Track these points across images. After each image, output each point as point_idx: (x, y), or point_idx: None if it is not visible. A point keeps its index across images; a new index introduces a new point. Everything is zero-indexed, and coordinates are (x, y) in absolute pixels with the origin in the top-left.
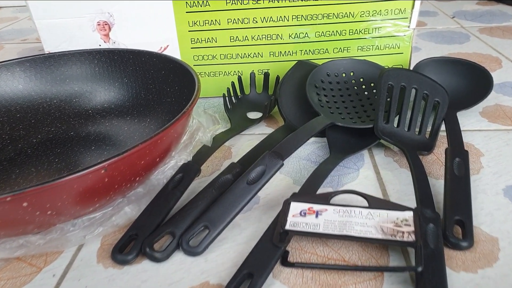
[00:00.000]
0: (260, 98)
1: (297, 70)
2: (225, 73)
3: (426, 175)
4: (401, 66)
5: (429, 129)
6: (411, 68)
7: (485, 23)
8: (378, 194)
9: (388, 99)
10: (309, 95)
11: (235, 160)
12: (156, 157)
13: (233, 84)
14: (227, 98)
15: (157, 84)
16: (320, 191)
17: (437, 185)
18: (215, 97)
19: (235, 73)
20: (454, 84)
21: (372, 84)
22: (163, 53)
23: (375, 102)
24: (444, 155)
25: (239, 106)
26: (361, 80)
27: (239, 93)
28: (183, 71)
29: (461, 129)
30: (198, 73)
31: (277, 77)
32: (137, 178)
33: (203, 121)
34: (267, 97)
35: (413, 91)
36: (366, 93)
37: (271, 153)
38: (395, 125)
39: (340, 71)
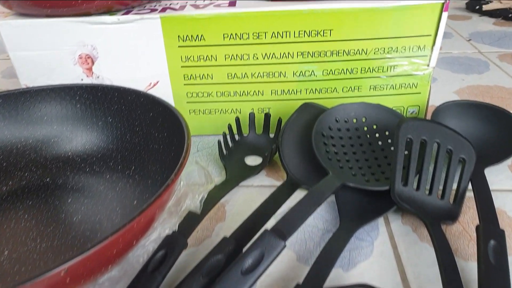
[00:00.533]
0: (260, 141)
1: (302, 114)
2: (222, 111)
3: (454, 258)
4: (418, 107)
5: (453, 187)
6: (430, 111)
7: (505, 48)
8: (396, 278)
9: (406, 152)
10: (316, 146)
11: (229, 223)
12: (133, 240)
13: (229, 127)
14: (222, 144)
15: (144, 127)
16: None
17: (467, 268)
18: (210, 135)
19: (232, 111)
20: (479, 134)
21: (386, 133)
22: (152, 93)
23: (390, 154)
24: (470, 224)
25: (236, 150)
26: (374, 127)
27: (235, 131)
28: (173, 118)
29: (488, 186)
30: (192, 111)
31: (279, 120)
32: (109, 267)
33: (193, 174)
34: (267, 140)
35: (435, 145)
36: (380, 142)
37: (271, 232)
38: (414, 187)
39: (350, 116)
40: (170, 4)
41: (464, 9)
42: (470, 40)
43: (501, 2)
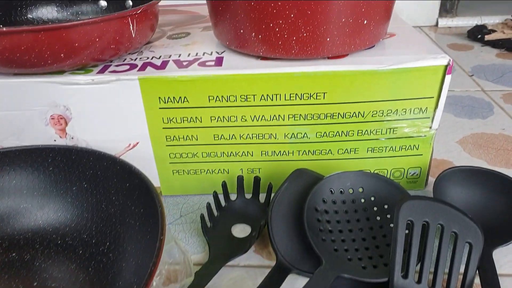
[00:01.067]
0: (248, 207)
1: (293, 183)
2: (209, 171)
3: None
4: (419, 169)
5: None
6: (432, 165)
7: (509, 87)
8: None
9: (407, 231)
10: (308, 226)
11: None
12: None
13: (215, 194)
14: (206, 217)
15: (121, 197)
16: None
17: None
18: (196, 194)
19: (220, 171)
20: (485, 206)
21: (385, 206)
22: (130, 159)
23: (389, 232)
24: None
25: (222, 220)
26: (372, 199)
27: (220, 191)
28: (150, 197)
29: (497, 272)
30: (175, 171)
31: (269, 186)
32: None
33: (172, 253)
34: (256, 206)
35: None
36: (378, 218)
37: None
38: (415, 279)
39: (346, 186)
40: (152, 58)
41: (466, 37)
42: (472, 75)
43: (504, 33)
